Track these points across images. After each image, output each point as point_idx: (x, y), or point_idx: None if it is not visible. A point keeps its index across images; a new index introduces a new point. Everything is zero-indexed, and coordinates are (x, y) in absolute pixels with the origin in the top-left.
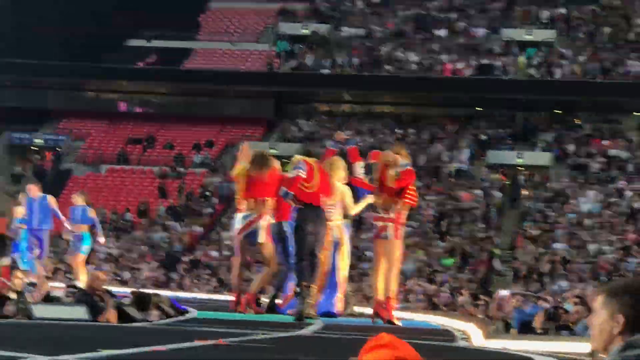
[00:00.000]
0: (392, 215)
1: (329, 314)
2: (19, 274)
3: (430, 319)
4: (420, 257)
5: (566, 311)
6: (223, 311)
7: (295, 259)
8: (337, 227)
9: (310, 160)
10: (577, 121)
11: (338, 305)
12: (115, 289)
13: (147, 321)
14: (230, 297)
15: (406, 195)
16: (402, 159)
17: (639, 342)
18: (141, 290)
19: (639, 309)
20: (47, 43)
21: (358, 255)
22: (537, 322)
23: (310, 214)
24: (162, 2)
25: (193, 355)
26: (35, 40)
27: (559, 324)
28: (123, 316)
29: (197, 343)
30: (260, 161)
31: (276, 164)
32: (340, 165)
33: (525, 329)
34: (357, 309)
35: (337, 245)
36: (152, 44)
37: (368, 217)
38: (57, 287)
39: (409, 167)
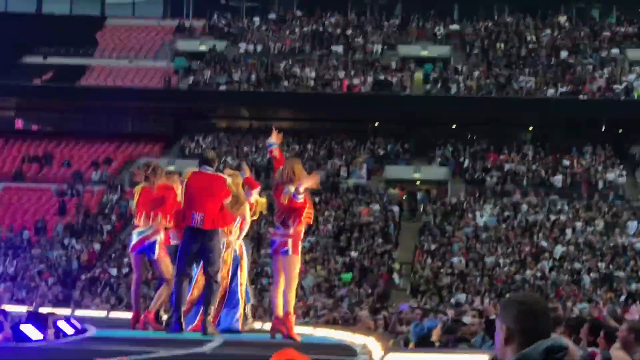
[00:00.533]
0: (290, 231)
1: (231, 330)
2: None
3: (330, 334)
4: (320, 272)
5: (464, 324)
6: (123, 329)
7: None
8: (237, 243)
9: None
10: (473, 136)
11: (240, 321)
12: (11, 308)
13: (44, 340)
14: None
15: (301, 213)
16: (296, 177)
17: (527, 355)
18: (38, 309)
19: (523, 320)
20: None
21: (257, 271)
22: (435, 336)
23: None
24: (58, 19)
25: None
26: None
27: (456, 337)
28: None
29: None
30: (152, 174)
31: (174, 178)
32: (239, 180)
33: (424, 342)
34: (257, 324)
35: (237, 260)
36: (49, 61)
37: (267, 233)
38: None
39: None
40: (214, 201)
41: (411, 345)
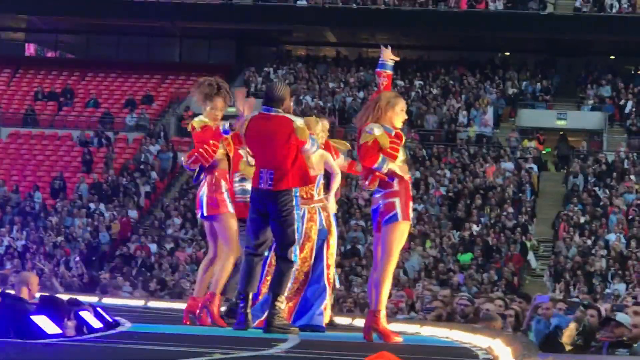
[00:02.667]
0: (395, 186)
1: (312, 327)
2: None
3: (443, 333)
4: (429, 250)
5: (620, 324)
6: (166, 323)
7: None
8: (323, 209)
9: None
10: (638, 71)
11: (325, 315)
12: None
13: (63, 336)
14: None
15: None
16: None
17: None
18: (54, 294)
19: None
20: None
21: (345, 250)
22: (567, 337)
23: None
24: None
25: None
26: None
27: (612, 341)
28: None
29: None
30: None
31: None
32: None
33: (549, 345)
34: (343, 320)
35: (323, 235)
36: None
37: (359, 198)
38: None
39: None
40: (283, 152)
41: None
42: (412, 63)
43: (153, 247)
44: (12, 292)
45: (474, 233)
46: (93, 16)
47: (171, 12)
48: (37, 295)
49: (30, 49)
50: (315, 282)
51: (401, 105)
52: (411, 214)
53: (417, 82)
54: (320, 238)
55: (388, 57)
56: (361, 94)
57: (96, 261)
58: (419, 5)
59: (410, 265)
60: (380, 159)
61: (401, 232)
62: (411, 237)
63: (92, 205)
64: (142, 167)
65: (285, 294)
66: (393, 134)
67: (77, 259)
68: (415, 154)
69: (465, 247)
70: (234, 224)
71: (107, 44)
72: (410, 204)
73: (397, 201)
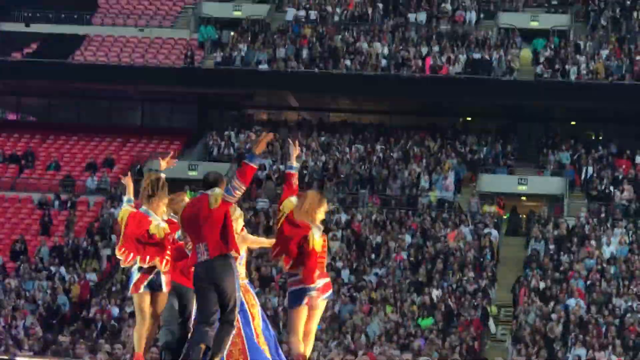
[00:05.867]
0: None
1: None
2: None
3: None
4: (390, 315)
5: None
6: None
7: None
8: (242, 285)
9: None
10: (598, 136)
11: None
12: None
13: None
14: None
15: None
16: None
17: None
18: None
19: None
20: None
21: None
22: None
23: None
24: None
25: None
26: None
27: None
28: None
29: None
30: (153, 188)
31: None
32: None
33: None
34: None
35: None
36: (32, 29)
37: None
38: None
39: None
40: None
41: None
42: (373, 128)
43: (115, 311)
44: None
45: (435, 298)
46: (55, 79)
47: (133, 75)
48: None
49: None
50: (256, 350)
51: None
52: None
53: (378, 147)
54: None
55: (295, 156)
56: (323, 158)
57: (55, 324)
58: (381, 70)
59: (371, 330)
60: None
61: None
62: (372, 301)
63: (52, 269)
64: (104, 230)
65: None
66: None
67: (35, 321)
68: (376, 219)
69: (427, 312)
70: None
71: (68, 107)
72: None
73: None
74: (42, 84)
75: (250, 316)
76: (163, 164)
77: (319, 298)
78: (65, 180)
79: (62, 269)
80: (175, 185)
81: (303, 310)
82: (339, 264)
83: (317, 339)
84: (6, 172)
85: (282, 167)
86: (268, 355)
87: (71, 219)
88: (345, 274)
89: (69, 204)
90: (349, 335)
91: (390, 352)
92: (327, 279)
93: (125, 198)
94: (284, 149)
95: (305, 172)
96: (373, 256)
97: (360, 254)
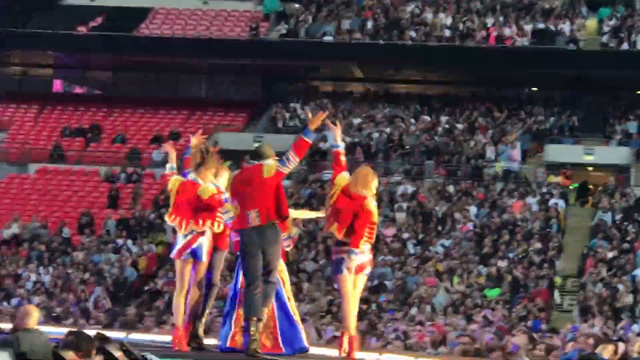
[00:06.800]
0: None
1: (302, 350)
2: None
3: None
4: (456, 286)
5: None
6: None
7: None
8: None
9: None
10: None
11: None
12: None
13: None
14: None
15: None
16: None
17: None
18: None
19: None
20: None
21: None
22: None
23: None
24: None
25: None
26: None
27: None
28: None
29: None
30: (202, 157)
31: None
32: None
33: None
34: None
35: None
36: (97, 2)
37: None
38: None
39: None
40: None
41: None
42: (438, 98)
43: None
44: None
45: (501, 268)
46: (120, 53)
47: (198, 48)
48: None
49: (58, 85)
50: (286, 314)
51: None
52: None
53: (443, 118)
54: None
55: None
56: (388, 130)
57: (123, 296)
58: (446, 41)
59: (437, 301)
60: None
61: None
62: (438, 272)
63: (119, 241)
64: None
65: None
66: None
67: (103, 294)
68: (442, 190)
69: (493, 282)
70: None
71: (134, 80)
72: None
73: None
74: (107, 58)
75: (281, 280)
76: (194, 140)
77: (359, 268)
78: (131, 154)
79: (129, 242)
80: (240, 157)
81: (347, 277)
82: (405, 235)
83: (382, 309)
84: (72, 146)
85: (348, 138)
86: (298, 319)
87: (137, 192)
88: (410, 245)
89: (134, 177)
90: (415, 306)
91: (457, 322)
92: (370, 257)
93: (168, 165)
94: (347, 120)
95: (370, 142)
96: (439, 227)
97: (425, 226)
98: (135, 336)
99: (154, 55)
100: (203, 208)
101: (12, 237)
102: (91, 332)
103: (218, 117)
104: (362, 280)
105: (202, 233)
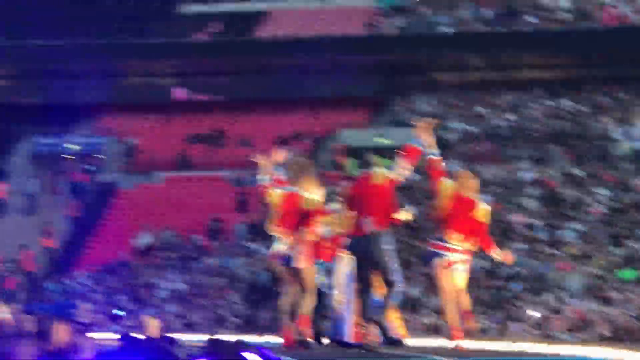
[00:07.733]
0: None
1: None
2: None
3: (608, 353)
4: (595, 268)
5: None
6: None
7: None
8: None
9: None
10: None
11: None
12: (182, 336)
13: None
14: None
15: None
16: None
17: None
18: (218, 336)
19: None
20: (73, 16)
21: None
22: None
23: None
24: None
25: None
26: (56, 14)
27: None
28: None
29: None
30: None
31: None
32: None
33: None
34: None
35: None
36: (212, 9)
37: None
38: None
39: None
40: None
41: None
42: (560, 82)
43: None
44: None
45: (634, 249)
46: (240, 57)
47: (316, 46)
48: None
49: (179, 93)
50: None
51: None
52: None
53: (567, 102)
54: None
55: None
56: (511, 117)
57: (257, 300)
58: (565, 24)
59: (571, 285)
60: None
61: None
62: (571, 256)
63: (250, 245)
64: None
65: None
66: None
67: (237, 299)
68: (570, 174)
69: (627, 264)
70: None
71: (254, 84)
72: None
73: None
74: (226, 63)
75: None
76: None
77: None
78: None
79: (261, 245)
80: (363, 153)
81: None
82: (535, 221)
83: (516, 297)
84: (198, 153)
85: (474, 128)
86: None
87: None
88: (541, 230)
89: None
90: (550, 292)
91: (593, 306)
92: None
93: (266, 177)
94: (470, 112)
95: (498, 130)
96: (569, 212)
97: (555, 210)
98: (270, 339)
99: (275, 57)
100: (307, 217)
101: (146, 247)
102: (230, 338)
103: (339, 115)
104: (461, 275)
105: (306, 242)
